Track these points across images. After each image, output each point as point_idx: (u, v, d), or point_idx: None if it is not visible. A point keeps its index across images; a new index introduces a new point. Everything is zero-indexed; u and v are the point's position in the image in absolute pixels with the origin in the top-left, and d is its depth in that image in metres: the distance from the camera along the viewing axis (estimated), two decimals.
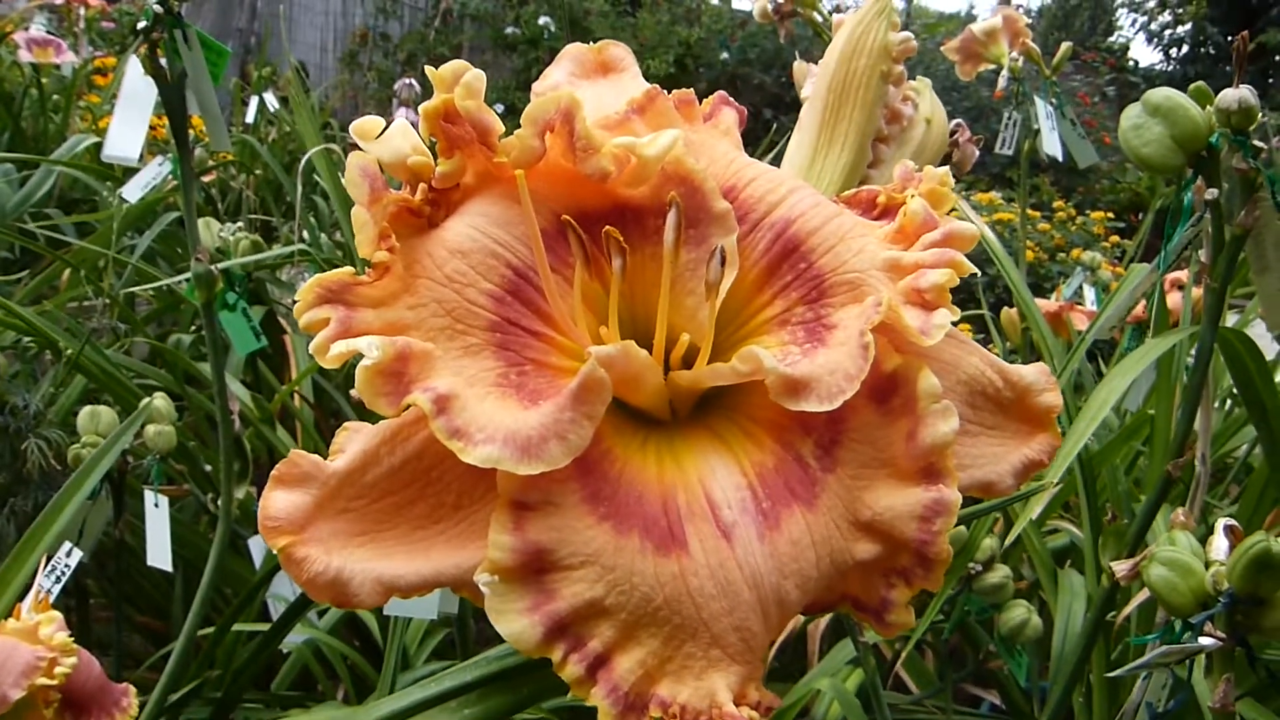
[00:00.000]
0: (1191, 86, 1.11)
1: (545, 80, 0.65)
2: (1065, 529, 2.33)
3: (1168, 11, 18.97)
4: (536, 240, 0.52)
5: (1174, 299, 2.81)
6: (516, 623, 0.48)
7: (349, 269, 0.52)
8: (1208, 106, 1.09)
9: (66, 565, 1.69)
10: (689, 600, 0.49)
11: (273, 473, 0.50)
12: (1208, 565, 0.90)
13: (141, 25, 1.48)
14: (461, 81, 0.54)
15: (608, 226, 0.53)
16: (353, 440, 0.53)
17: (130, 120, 1.60)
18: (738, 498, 0.51)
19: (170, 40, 1.51)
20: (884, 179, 0.72)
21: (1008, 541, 1.32)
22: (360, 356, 0.48)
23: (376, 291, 0.52)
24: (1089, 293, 3.60)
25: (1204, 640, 0.85)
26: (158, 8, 1.47)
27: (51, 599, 1.29)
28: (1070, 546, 2.27)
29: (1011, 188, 8.23)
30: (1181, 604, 0.88)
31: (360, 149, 0.54)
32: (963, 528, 1.79)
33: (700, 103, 0.63)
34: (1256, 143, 1.05)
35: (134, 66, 1.60)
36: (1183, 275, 2.79)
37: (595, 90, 0.63)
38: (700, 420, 0.57)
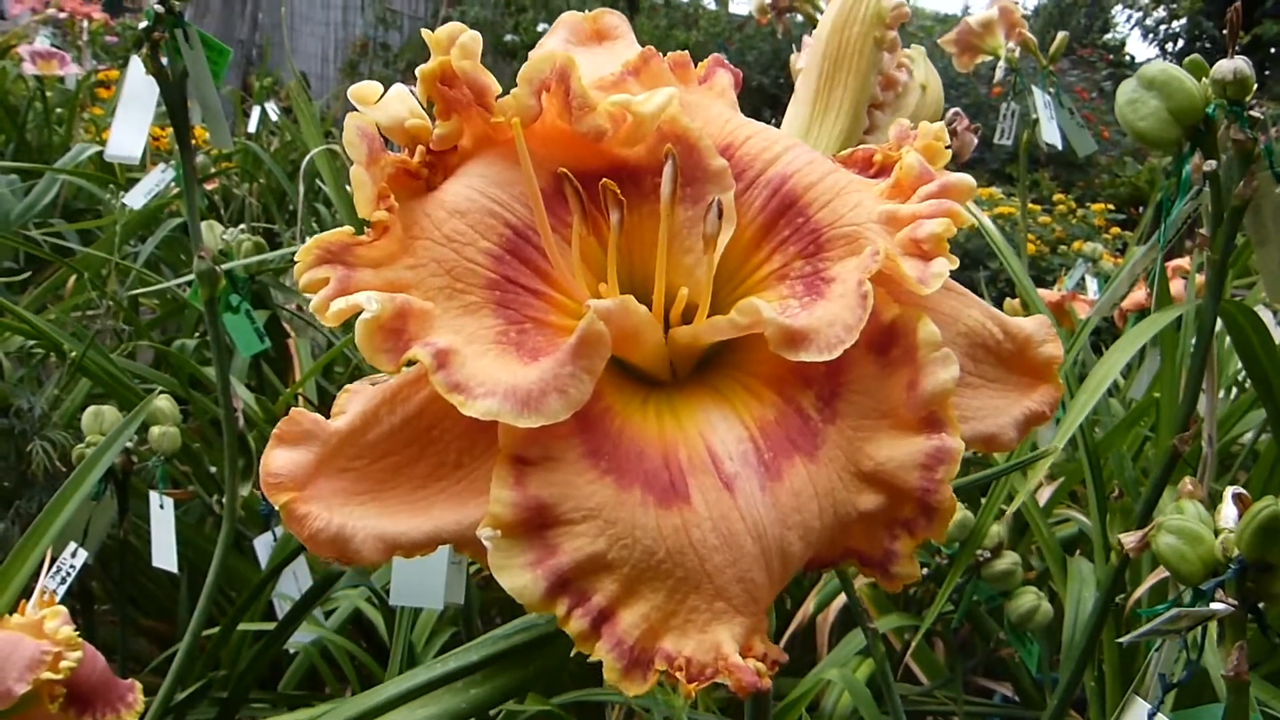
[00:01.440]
0: (1187, 60, 1.11)
1: (541, 49, 0.65)
2: (1073, 517, 2.32)
3: (1162, 7, 18.99)
4: (535, 195, 0.52)
5: (1176, 286, 2.81)
6: (520, 577, 0.48)
7: (348, 229, 0.52)
8: (1203, 79, 1.09)
9: (72, 566, 1.69)
10: (692, 552, 0.49)
11: (274, 431, 0.50)
12: (1216, 534, 0.89)
13: (143, 25, 1.49)
14: (457, 43, 0.54)
15: (605, 181, 0.53)
16: (353, 401, 0.53)
17: (132, 120, 1.61)
18: (739, 450, 0.51)
19: (171, 40, 1.51)
20: (881, 145, 0.72)
21: (1013, 508, 1.31)
22: (361, 313, 0.48)
23: (375, 252, 0.52)
24: (1091, 283, 3.60)
25: (1215, 605, 0.84)
26: (159, 8, 1.48)
27: (57, 599, 1.29)
28: (1078, 536, 2.27)
29: (1011, 183, 8.23)
30: (1191, 572, 0.88)
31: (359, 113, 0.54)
32: (969, 513, 1.79)
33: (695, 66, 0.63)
34: (1253, 113, 1.05)
35: (136, 66, 1.61)
36: (1185, 262, 2.79)
37: (591, 57, 0.63)
38: (701, 379, 0.57)
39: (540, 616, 0.82)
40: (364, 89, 0.55)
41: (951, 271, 0.53)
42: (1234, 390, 2.84)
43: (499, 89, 0.55)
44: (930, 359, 0.51)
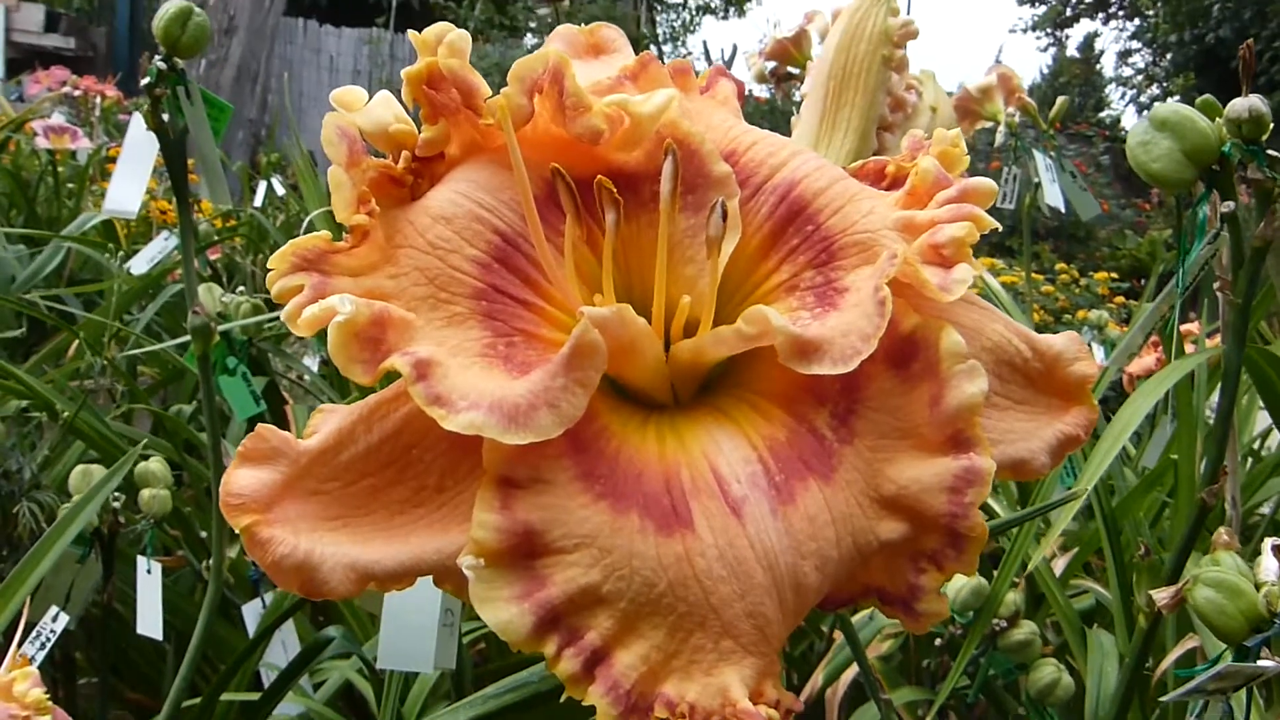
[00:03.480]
0: (1199, 100, 1.08)
1: None
2: (1090, 588, 2.25)
3: (1155, 85, 19.32)
4: (526, 193, 0.48)
5: (1188, 351, 2.77)
6: (504, 611, 0.43)
7: (325, 234, 0.48)
8: (1216, 119, 1.06)
9: (52, 630, 1.63)
10: (696, 584, 0.44)
11: (238, 449, 0.46)
12: (1258, 587, 0.84)
13: (145, 81, 1.48)
14: (444, 41, 0.51)
15: (600, 178, 0.50)
16: (328, 420, 0.49)
17: (131, 174, 1.60)
18: (747, 472, 0.46)
19: (173, 96, 1.51)
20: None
21: (1033, 563, 1.25)
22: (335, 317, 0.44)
23: (354, 260, 0.49)
24: (1097, 351, 3.57)
25: (1264, 663, 0.78)
26: (162, 64, 1.47)
27: (35, 665, 1.23)
28: (1096, 609, 2.20)
29: (1013, 256, 8.25)
30: (1232, 628, 0.82)
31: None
32: (984, 581, 1.73)
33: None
34: (1272, 152, 1.03)
35: (137, 122, 1.60)
36: (1194, 327, 2.76)
37: (587, 69, 0.60)
38: (705, 401, 0.53)
39: (532, 674, 0.77)
40: (348, 94, 0.52)
41: None
42: (1249, 460, 2.79)
43: (488, 91, 0.52)
44: (955, 371, 0.47)
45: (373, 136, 0.52)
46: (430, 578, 1.03)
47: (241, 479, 0.46)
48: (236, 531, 0.44)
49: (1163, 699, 0.79)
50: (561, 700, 0.77)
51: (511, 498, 0.44)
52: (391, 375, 0.46)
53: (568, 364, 0.44)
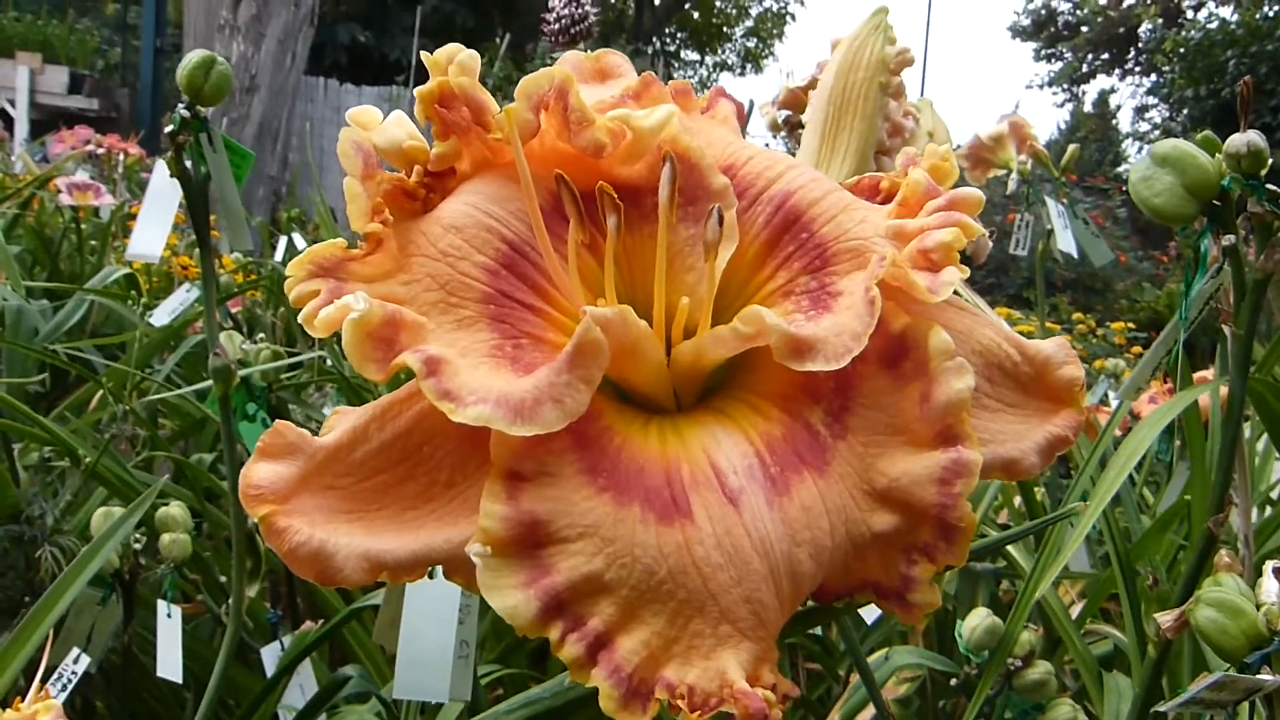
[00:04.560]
0: (1199, 135, 1.11)
1: None
2: (1108, 633, 2.23)
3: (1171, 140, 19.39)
4: (532, 201, 0.51)
5: (1202, 398, 2.77)
6: (511, 597, 0.45)
7: (341, 241, 0.51)
8: (1216, 154, 1.08)
9: (74, 672, 1.64)
10: (695, 571, 0.46)
11: (257, 445, 0.48)
12: (1258, 607, 0.85)
13: (168, 129, 1.53)
14: (455, 61, 0.54)
15: (602, 183, 0.52)
16: (343, 420, 0.51)
17: (154, 221, 1.64)
18: (744, 464, 0.48)
19: (195, 144, 1.55)
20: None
21: (1041, 588, 1.25)
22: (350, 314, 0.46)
23: (368, 268, 0.51)
24: (1114, 400, 3.56)
25: (1264, 677, 0.79)
26: (185, 112, 1.52)
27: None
28: (1113, 655, 2.17)
29: (1030, 307, 8.25)
30: (1233, 647, 0.83)
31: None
32: (998, 620, 1.72)
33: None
34: (1271, 186, 1.05)
35: (160, 169, 1.65)
36: (1208, 374, 2.75)
37: (593, 92, 0.63)
38: (705, 404, 0.55)
39: (544, 691, 0.78)
40: (363, 113, 0.55)
41: None
42: (1266, 508, 2.77)
43: (497, 108, 0.55)
44: (943, 369, 0.49)
45: (387, 153, 0.55)
46: (445, 608, 1.04)
47: (260, 472, 0.48)
48: (254, 520, 0.46)
49: (1159, 708, 0.79)
50: (573, 717, 0.78)
51: (518, 490, 0.46)
52: (401, 378, 0.48)
53: (571, 361, 0.46)
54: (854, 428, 0.50)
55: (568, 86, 0.54)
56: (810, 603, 0.54)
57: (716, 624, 0.45)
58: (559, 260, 0.53)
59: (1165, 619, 0.91)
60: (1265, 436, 2.37)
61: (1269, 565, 0.88)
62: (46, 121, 10.83)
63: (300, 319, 0.48)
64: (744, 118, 0.63)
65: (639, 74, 0.64)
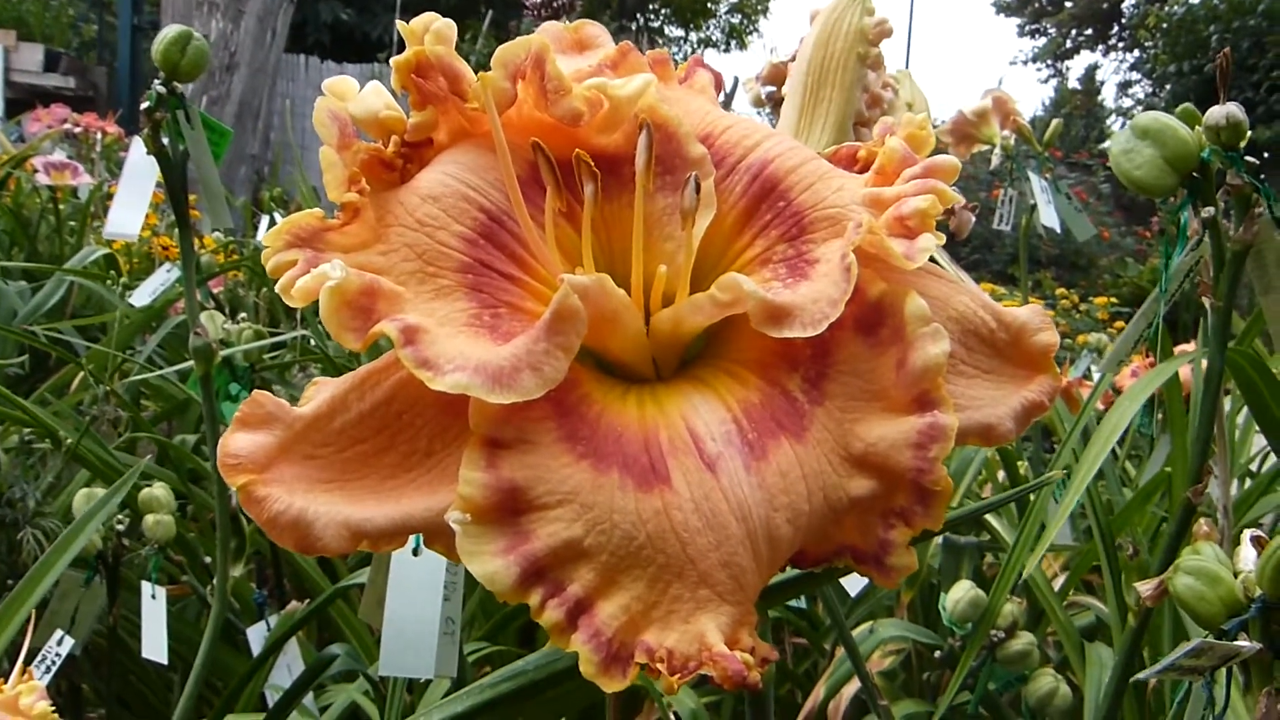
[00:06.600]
0: (1179, 108, 1.11)
1: None
2: (1090, 605, 2.25)
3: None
4: (509, 170, 0.51)
5: (1184, 371, 2.79)
6: (490, 564, 0.45)
7: (318, 211, 0.51)
8: (1196, 127, 1.09)
9: (58, 654, 1.64)
10: (674, 536, 0.46)
11: (235, 415, 0.48)
12: (1236, 575, 0.86)
13: (145, 105, 1.51)
14: (431, 30, 0.54)
15: (579, 151, 0.52)
16: (321, 390, 0.51)
17: (131, 198, 1.63)
18: (722, 430, 0.49)
19: (173, 120, 1.54)
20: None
21: (1029, 567, 1.27)
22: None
23: (346, 238, 0.51)
24: (1096, 373, 3.58)
25: (1240, 643, 0.80)
26: (161, 88, 1.51)
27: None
28: (1095, 626, 2.20)
29: (1014, 284, 8.29)
30: (1211, 614, 0.84)
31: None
32: (981, 592, 1.73)
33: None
34: (1249, 158, 1.05)
35: (137, 146, 1.64)
36: (1189, 348, 2.77)
37: (571, 62, 0.62)
38: (684, 373, 0.55)
39: (528, 663, 0.78)
40: (340, 83, 0.55)
41: None
42: (1247, 480, 2.79)
43: (474, 78, 0.55)
44: (919, 334, 0.49)
45: (363, 123, 0.54)
46: (430, 586, 1.04)
47: (239, 441, 0.48)
48: (235, 492, 0.46)
49: (1138, 676, 0.80)
50: (558, 688, 0.79)
51: (497, 457, 0.46)
52: (382, 349, 0.48)
53: (549, 328, 0.46)
54: (831, 394, 0.50)
55: (544, 55, 0.53)
56: (790, 569, 0.55)
57: (695, 588, 0.46)
58: (536, 229, 0.53)
59: (1145, 588, 0.92)
60: (1246, 409, 2.38)
61: (1247, 533, 0.89)
62: (22, 100, 10.67)
63: (278, 288, 0.48)
64: (722, 87, 0.63)
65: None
